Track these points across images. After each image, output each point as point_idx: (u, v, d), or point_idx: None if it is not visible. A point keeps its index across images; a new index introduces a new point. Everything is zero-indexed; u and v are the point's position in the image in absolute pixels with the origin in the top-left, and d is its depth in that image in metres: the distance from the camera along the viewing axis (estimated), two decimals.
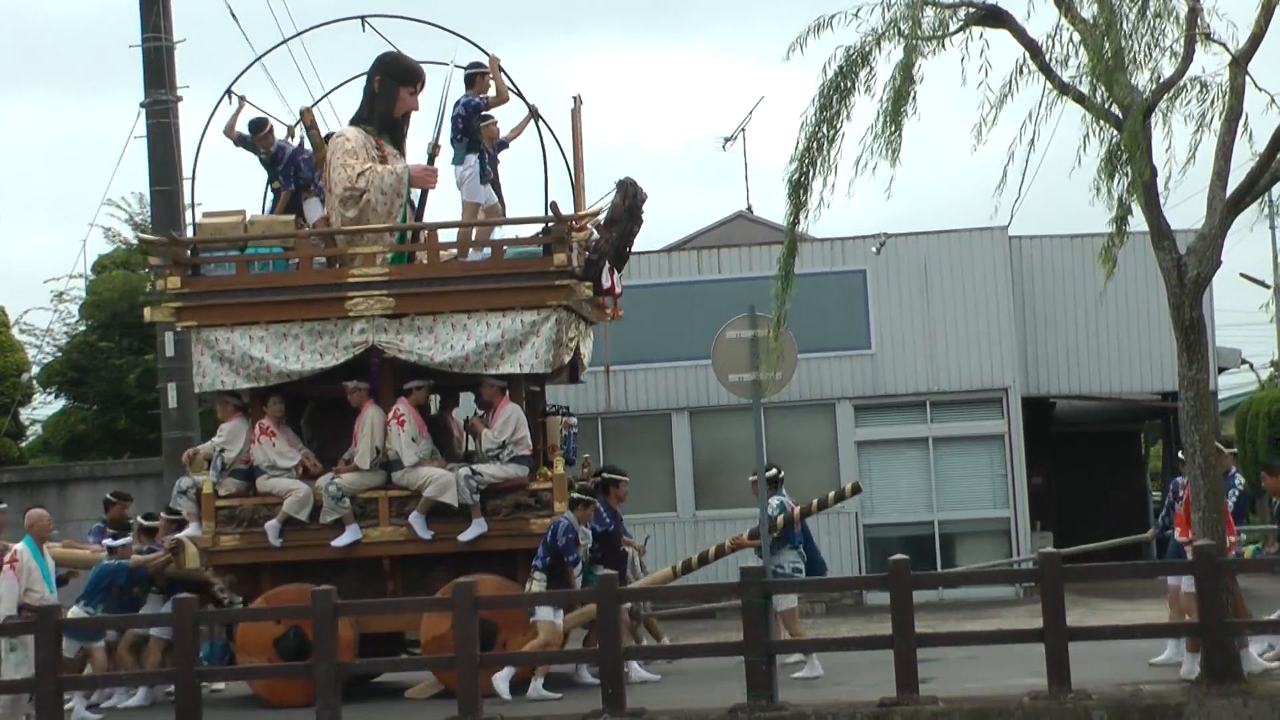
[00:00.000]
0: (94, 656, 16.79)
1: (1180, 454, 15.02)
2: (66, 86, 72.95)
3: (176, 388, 22.01)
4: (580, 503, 16.01)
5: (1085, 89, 13.27)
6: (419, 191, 17.76)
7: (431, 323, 16.45)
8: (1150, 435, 36.58)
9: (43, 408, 30.27)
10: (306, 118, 17.89)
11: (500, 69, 17.25)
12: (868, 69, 13.46)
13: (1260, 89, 13.17)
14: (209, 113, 17.96)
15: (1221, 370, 32.00)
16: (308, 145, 18.02)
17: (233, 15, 22.88)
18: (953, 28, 13.41)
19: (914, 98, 13.28)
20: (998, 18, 13.55)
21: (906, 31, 13.13)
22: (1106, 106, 13.19)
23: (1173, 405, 25.35)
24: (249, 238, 17.09)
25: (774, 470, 16.78)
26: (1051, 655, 12.90)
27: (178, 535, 16.93)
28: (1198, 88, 13.17)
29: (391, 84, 17.48)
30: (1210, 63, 13.26)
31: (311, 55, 17.70)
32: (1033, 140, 13.42)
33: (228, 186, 72.87)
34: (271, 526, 16.44)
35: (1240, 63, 13.14)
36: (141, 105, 22.46)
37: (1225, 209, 13.46)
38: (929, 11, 13.32)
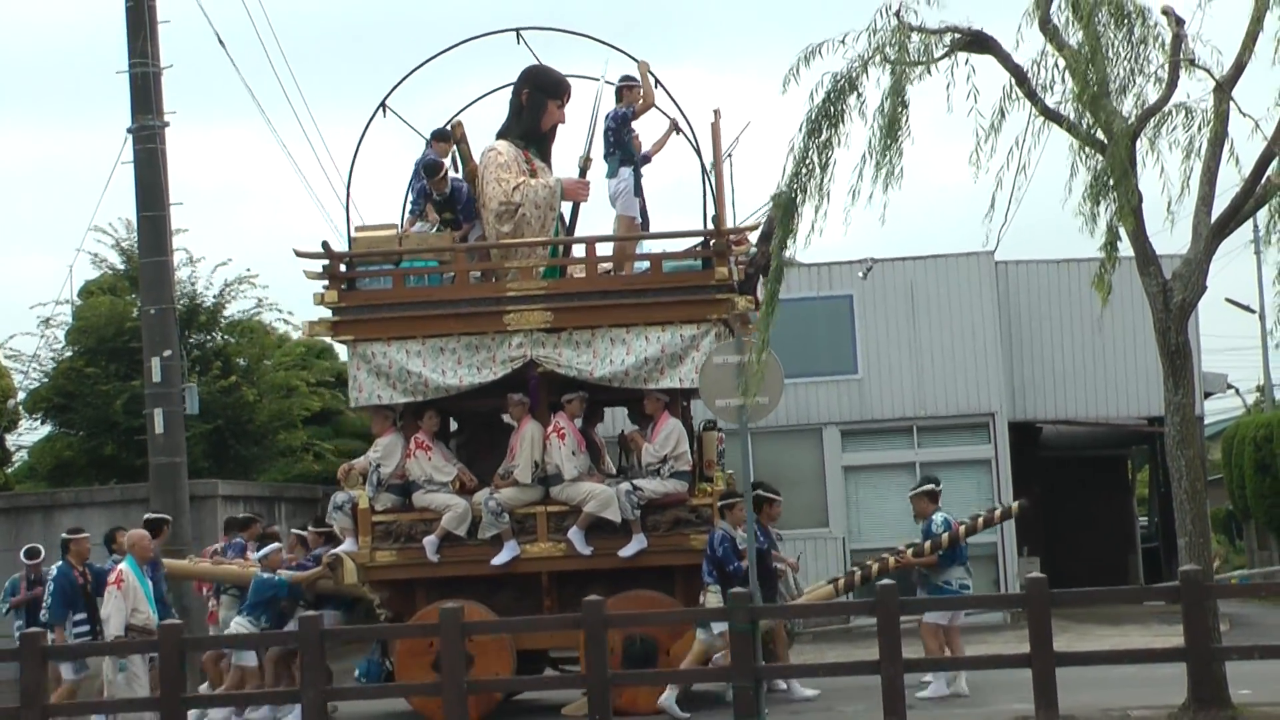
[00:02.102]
0: (245, 672, 16.81)
1: None
2: (52, 111, 72.95)
3: (163, 413, 21.92)
4: (727, 507, 15.96)
5: (1071, 115, 13.32)
6: (569, 205, 17.73)
7: (590, 337, 16.39)
8: (1137, 460, 36.62)
9: (28, 433, 30.15)
10: (457, 131, 17.70)
11: (649, 71, 17.13)
12: (856, 95, 13.52)
13: (1245, 114, 13.22)
14: (363, 127, 17.79)
15: (1207, 395, 32.02)
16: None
17: (220, 42, 22.91)
18: (938, 54, 13.45)
19: (907, 123, 13.32)
20: (983, 44, 13.59)
21: (893, 57, 13.17)
22: (1092, 133, 13.23)
23: (1159, 430, 25.37)
24: (405, 251, 17.02)
25: (932, 485, 16.98)
26: (1039, 681, 12.88)
27: (335, 550, 16.83)
28: (1183, 114, 13.22)
29: (540, 97, 17.50)
30: (1195, 89, 13.32)
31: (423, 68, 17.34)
32: (1022, 167, 13.46)
33: (212, 213, 72.91)
34: (430, 542, 16.35)
35: (1224, 88, 13.19)
36: (128, 130, 22.40)
37: (1210, 234, 13.49)
38: (914, 37, 13.37)
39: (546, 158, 17.67)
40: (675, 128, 17.62)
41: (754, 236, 16.75)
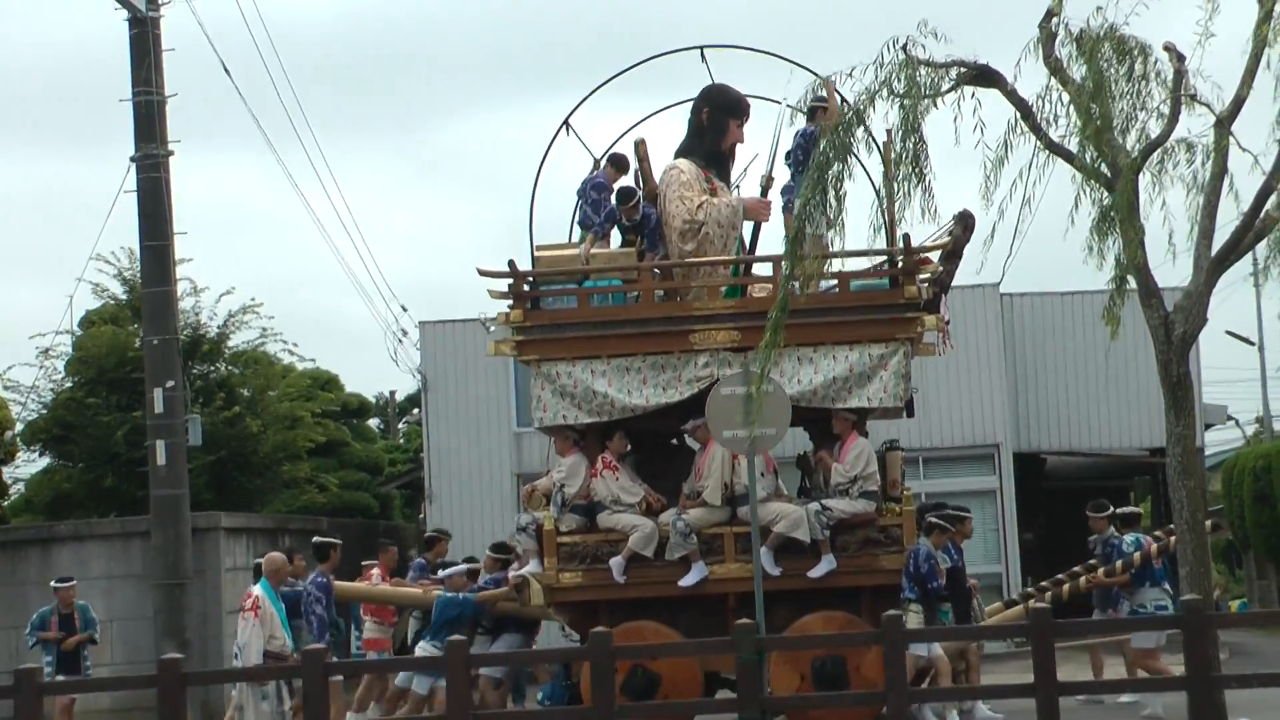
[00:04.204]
0: (435, 698, 16.75)
1: None
2: (53, 139, 73.15)
3: (166, 445, 21.95)
4: (936, 528, 15.95)
5: (1075, 149, 13.42)
6: (750, 224, 17.72)
7: (777, 356, 15.98)
8: (1139, 491, 36.68)
9: (26, 465, 30.09)
10: (640, 150, 17.63)
11: (835, 90, 17.14)
12: (863, 127, 13.64)
13: (1244, 149, 13.31)
14: (546, 145, 17.71)
15: (1208, 426, 32.14)
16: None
17: (225, 70, 23.03)
18: (945, 87, 13.56)
19: (926, 155, 13.40)
20: (989, 78, 13.68)
21: (901, 91, 13.28)
22: (1096, 167, 13.33)
23: (1161, 461, 25.43)
24: (590, 269, 16.96)
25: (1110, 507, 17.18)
26: (1043, 710, 12.90)
27: (522, 571, 16.80)
28: (1184, 148, 13.32)
29: (721, 116, 17.47)
30: (1196, 124, 13.42)
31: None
32: (1026, 199, 13.54)
33: (215, 242, 73.04)
34: (616, 563, 16.23)
35: (1224, 124, 13.28)
36: (132, 159, 22.44)
37: (1211, 267, 13.57)
38: (921, 71, 13.47)
39: (726, 177, 17.67)
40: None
41: (937, 255, 16.66)
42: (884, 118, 13.52)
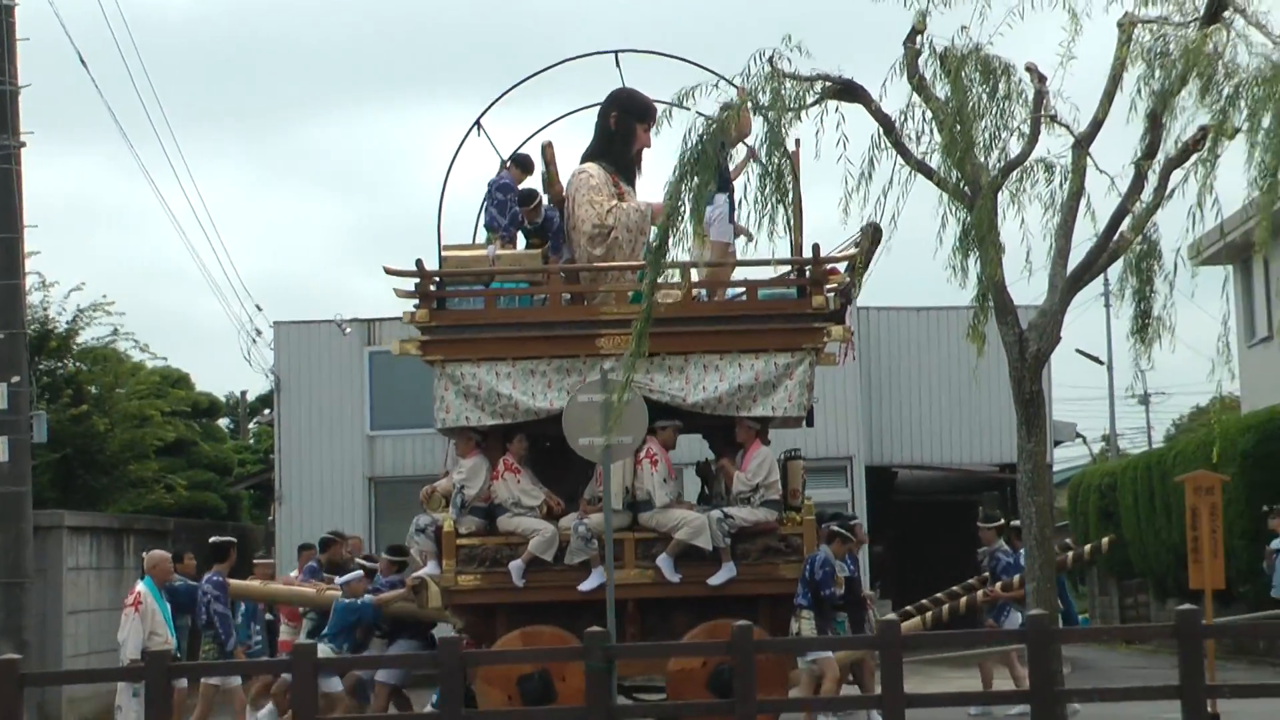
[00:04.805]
0: (330, 699, 16.50)
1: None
2: None
3: (9, 441, 21.44)
4: (838, 537, 15.90)
5: (938, 166, 13.54)
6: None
7: (683, 363, 16.18)
8: (988, 506, 37.18)
9: None
10: (548, 153, 17.53)
11: (748, 98, 16.97)
12: (728, 137, 13.68)
13: (1101, 171, 13.52)
14: (456, 146, 17.57)
15: (1057, 444, 32.65)
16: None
17: (82, 62, 22.60)
18: (809, 101, 13.63)
19: (790, 172, 13.46)
20: (853, 92, 13.78)
21: (766, 103, 13.33)
22: (959, 185, 13.46)
23: (1010, 477, 25.79)
24: (497, 271, 16.78)
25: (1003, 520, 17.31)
26: None
27: (420, 573, 16.62)
28: (1043, 168, 13.49)
29: (629, 120, 17.33)
30: (1055, 144, 13.60)
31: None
32: (893, 217, 13.67)
33: (65, 236, 71.67)
34: (516, 566, 16.06)
35: (1083, 145, 13.47)
36: None
37: (1066, 286, 13.75)
38: (786, 84, 13.52)
39: (632, 182, 17.58)
40: (753, 155, 17.55)
41: (843, 266, 16.70)
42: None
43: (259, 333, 28.79)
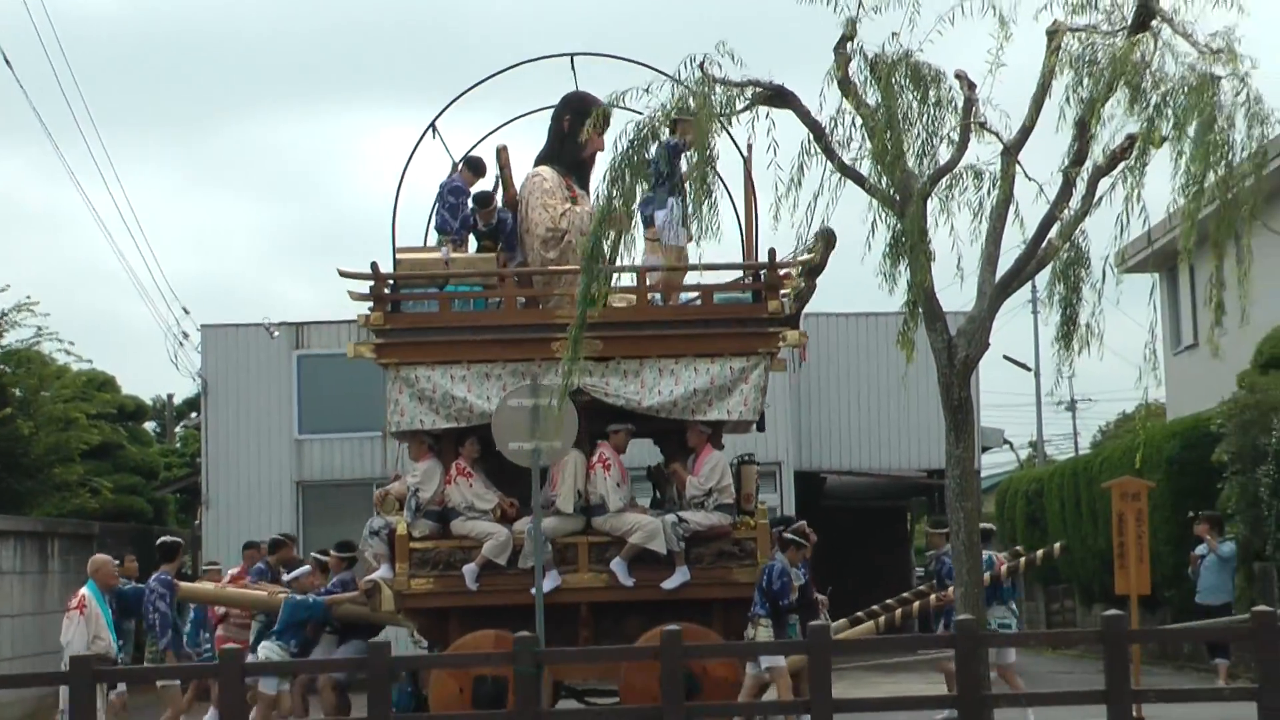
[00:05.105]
0: (280, 699, 16.45)
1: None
2: None
3: None
4: (792, 544, 15.87)
5: (868, 173, 13.56)
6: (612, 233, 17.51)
7: (638, 367, 16.19)
8: (915, 511, 37.35)
9: None
10: (502, 156, 17.44)
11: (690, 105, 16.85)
12: (659, 143, 13.66)
13: (1030, 178, 13.57)
14: (411, 149, 17.53)
15: (985, 449, 32.84)
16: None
17: (5, 61, 22.36)
18: (740, 106, 13.63)
19: (716, 175, 13.47)
20: (784, 98, 13.80)
21: (696, 108, 13.32)
22: (889, 192, 13.50)
23: (938, 482, 25.92)
24: (451, 273, 16.68)
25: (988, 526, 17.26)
26: None
27: (373, 576, 16.51)
28: (972, 175, 13.54)
29: (582, 123, 17.22)
30: (985, 151, 13.65)
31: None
32: (823, 224, 13.69)
33: None
34: (469, 570, 16.00)
35: (1011, 152, 13.53)
36: None
37: (995, 293, 13.81)
38: (718, 89, 13.52)
39: (586, 185, 17.54)
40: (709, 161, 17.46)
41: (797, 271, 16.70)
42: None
43: (186, 336, 28.65)
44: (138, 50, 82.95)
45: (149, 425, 42.52)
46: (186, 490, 34.03)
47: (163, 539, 18.01)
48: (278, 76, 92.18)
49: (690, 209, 13.71)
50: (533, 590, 15.91)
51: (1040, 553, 18.26)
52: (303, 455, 27.97)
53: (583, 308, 14.00)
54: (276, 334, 28.23)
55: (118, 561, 16.89)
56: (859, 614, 18.13)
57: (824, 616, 17.47)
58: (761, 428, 17.75)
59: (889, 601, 18.45)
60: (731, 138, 16.27)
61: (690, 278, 16.95)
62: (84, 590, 15.40)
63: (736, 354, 16.32)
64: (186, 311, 31.15)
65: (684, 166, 16.76)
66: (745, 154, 17.12)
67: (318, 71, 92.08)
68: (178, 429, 45.49)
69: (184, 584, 17.77)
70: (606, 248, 14.02)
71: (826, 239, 16.09)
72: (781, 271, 16.46)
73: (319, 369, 28.17)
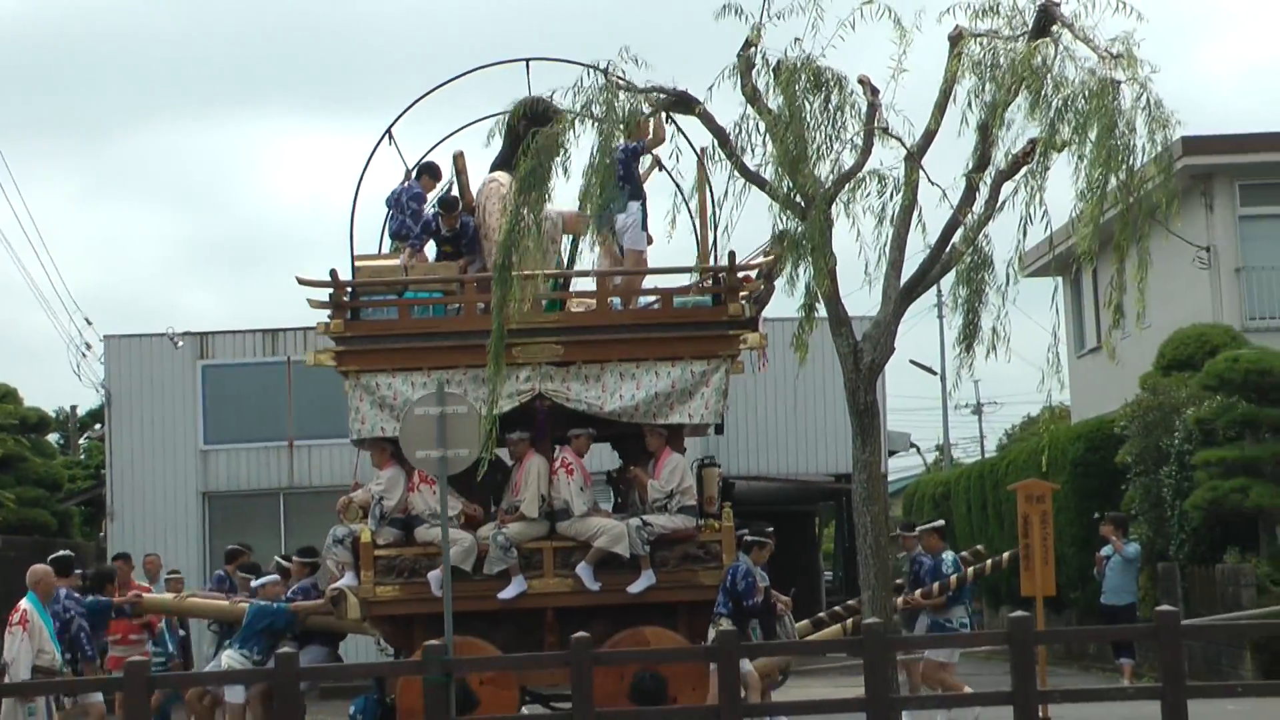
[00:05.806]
0: (232, 709, 16.24)
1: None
2: None
3: None
4: (756, 545, 15.78)
5: (771, 177, 13.60)
6: (568, 238, 17.39)
7: (599, 371, 16.06)
8: (823, 516, 37.51)
9: None
10: (459, 162, 17.28)
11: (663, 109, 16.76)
12: (564, 153, 13.65)
13: (933, 183, 13.67)
14: (368, 156, 17.23)
15: (891, 454, 33.01)
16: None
17: None
18: (644, 112, 13.65)
19: (670, 175, 13.47)
20: (687, 104, 13.83)
21: (600, 115, 13.31)
22: (791, 196, 13.54)
23: (845, 487, 26.02)
24: (410, 280, 16.52)
25: (942, 522, 17.62)
26: None
27: (338, 584, 16.29)
28: (876, 180, 13.60)
29: (538, 128, 17.06)
30: (888, 156, 13.73)
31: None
32: (726, 228, 13.74)
33: None
34: (434, 577, 15.75)
35: (915, 157, 13.62)
36: None
37: (899, 298, 13.89)
38: (621, 96, 13.53)
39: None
40: (658, 163, 17.40)
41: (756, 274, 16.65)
42: (578, 141, 13.53)
43: (89, 346, 28.35)
44: (37, 55, 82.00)
45: (52, 437, 41.97)
46: (91, 502, 33.65)
47: (58, 554, 17.74)
48: (178, 86, 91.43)
49: (591, 208, 13.66)
50: (499, 595, 15.93)
51: (1006, 555, 18.41)
52: (208, 466, 27.73)
53: (498, 318, 13.96)
54: (180, 344, 27.98)
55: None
56: (821, 615, 18.14)
57: (788, 618, 17.52)
58: (720, 431, 17.73)
59: (850, 603, 18.42)
60: (687, 139, 16.41)
61: (649, 281, 16.97)
62: (24, 603, 15.02)
63: (697, 357, 16.31)
64: (89, 322, 30.90)
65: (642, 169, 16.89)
66: (700, 155, 17.20)
67: (218, 81, 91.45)
68: (81, 441, 44.97)
69: (150, 595, 17.65)
70: (517, 258, 13.94)
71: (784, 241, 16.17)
72: (740, 274, 16.51)
73: (224, 379, 27.93)
